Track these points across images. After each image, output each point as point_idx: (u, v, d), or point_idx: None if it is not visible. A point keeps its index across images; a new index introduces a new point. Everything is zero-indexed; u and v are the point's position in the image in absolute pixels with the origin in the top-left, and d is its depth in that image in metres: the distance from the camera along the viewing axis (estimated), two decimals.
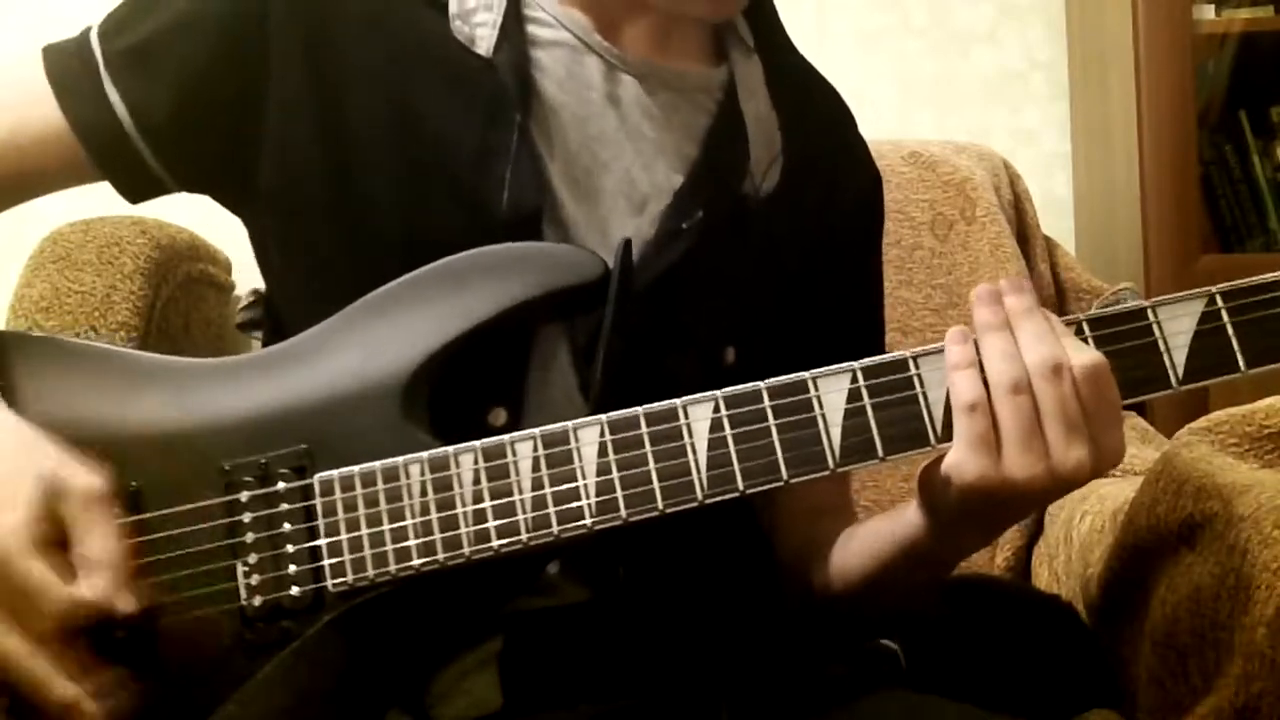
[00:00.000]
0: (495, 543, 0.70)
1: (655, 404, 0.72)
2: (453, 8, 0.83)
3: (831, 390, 0.72)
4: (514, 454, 0.72)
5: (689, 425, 0.72)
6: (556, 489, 0.71)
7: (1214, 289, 0.74)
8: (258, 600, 0.71)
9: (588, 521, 0.71)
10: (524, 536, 0.71)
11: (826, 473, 0.72)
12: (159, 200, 0.91)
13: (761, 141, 0.88)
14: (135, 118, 0.82)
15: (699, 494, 0.71)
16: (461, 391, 0.76)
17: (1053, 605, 1.09)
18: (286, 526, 0.72)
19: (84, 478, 0.70)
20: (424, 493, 0.71)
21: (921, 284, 1.57)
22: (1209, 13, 1.74)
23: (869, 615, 0.92)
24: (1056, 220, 1.88)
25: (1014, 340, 0.72)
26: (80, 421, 0.75)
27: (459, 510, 0.71)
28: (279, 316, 0.88)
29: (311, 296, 0.81)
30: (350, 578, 0.71)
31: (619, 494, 0.71)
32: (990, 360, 0.71)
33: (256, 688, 0.68)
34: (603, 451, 0.71)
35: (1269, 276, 0.74)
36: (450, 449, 0.72)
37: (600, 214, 0.83)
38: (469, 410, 0.77)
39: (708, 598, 0.87)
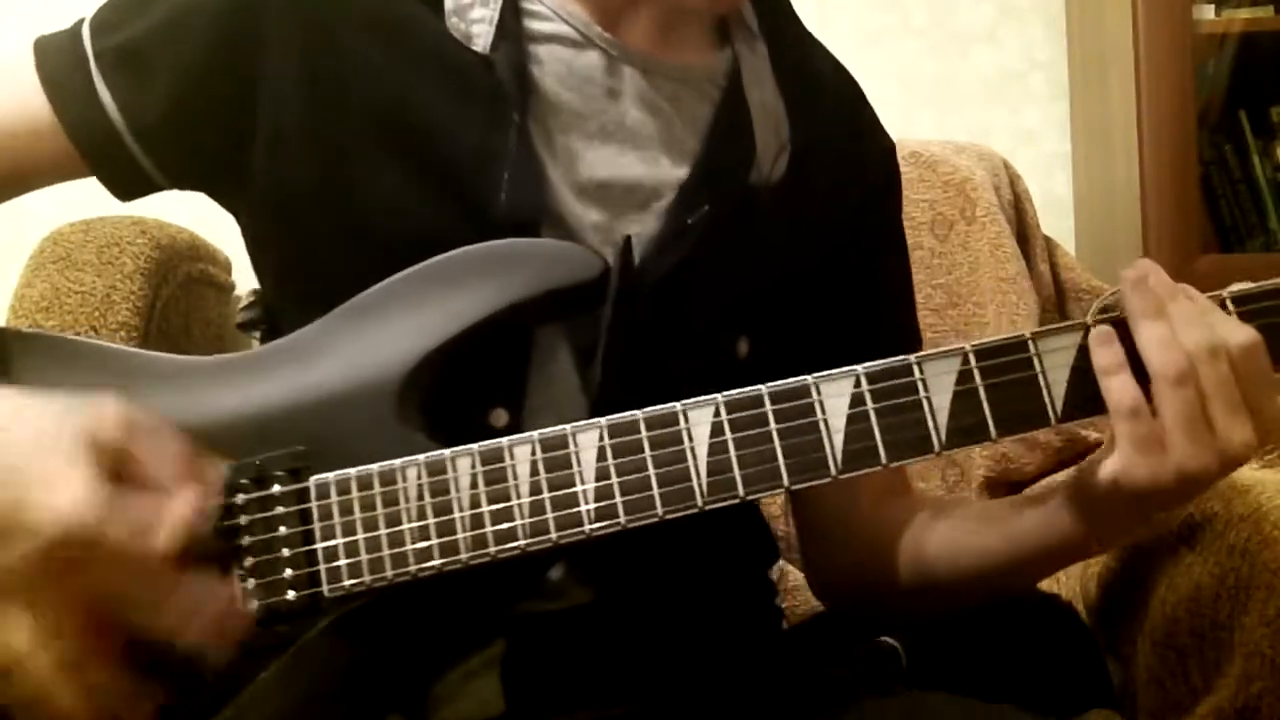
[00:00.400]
0: (492, 548, 0.70)
1: (655, 408, 0.71)
2: (448, 4, 0.81)
3: (834, 395, 0.71)
4: (512, 458, 0.71)
5: (689, 430, 0.71)
6: (555, 494, 0.70)
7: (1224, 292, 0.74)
8: (254, 604, 0.70)
9: (586, 527, 0.70)
10: (521, 542, 0.70)
11: (828, 479, 0.71)
12: (159, 200, 0.91)
13: (769, 129, 0.86)
14: (127, 118, 0.82)
15: (699, 499, 0.70)
16: (462, 392, 0.75)
17: (1052, 605, 1.09)
18: (282, 530, 0.70)
19: (109, 410, 0.65)
20: (421, 496, 0.70)
21: (921, 284, 1.56)
22: (1209, 13, 1.74)
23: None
24: (1056, 220, 1.88)
25: (1170, 326, 0.70)
26: None
27: (456, 515, 0.70)
28: (274, 316, 0.87)
29: (306, 295, 0.80)
30: (346, 582, 0.70)
31: (618, 499, 0.70)
32: (1150, 350, 0.70)
33: (254, 692, 0.68)
34: (602, 456, 0.70)
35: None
36: (448, 452, 0.71)
37: (603, 211, 0.82)
38: (470, 411, 0.76)
39: (709, 601, 0.87)
